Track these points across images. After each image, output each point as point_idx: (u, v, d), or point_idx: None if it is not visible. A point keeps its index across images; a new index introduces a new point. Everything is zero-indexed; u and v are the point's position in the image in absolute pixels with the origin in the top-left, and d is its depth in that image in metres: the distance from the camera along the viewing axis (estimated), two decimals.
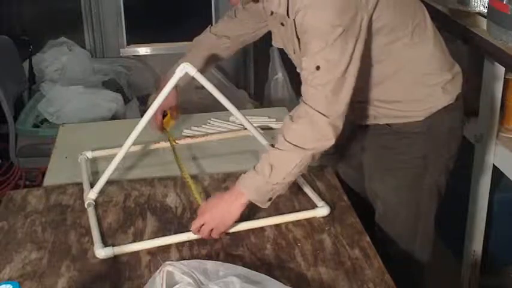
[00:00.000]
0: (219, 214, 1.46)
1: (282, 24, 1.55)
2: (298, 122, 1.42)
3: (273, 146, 1.48)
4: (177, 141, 1.94)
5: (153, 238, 1.51)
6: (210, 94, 1.71)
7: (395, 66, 1.55)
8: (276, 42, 1.66)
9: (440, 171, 1.68)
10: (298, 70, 1.65)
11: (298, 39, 1.48)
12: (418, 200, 1.69)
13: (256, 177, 1.45)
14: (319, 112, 1.40)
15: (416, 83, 1.58)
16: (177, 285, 1.14)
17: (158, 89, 1.74)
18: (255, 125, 1.88)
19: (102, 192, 1.69)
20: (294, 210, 1.61)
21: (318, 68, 1.39)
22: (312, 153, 1.43)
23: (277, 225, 1.55)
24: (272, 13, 1.55)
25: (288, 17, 1.47)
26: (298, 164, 1.43)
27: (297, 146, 1.42)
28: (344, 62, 1.39)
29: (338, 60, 1.38)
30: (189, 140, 2.01)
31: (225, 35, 1.85)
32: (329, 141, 1.43)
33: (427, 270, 1.79)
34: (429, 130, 1.61)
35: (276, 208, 1.64)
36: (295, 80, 3.65)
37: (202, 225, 1.46)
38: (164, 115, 1.91)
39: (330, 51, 1.37)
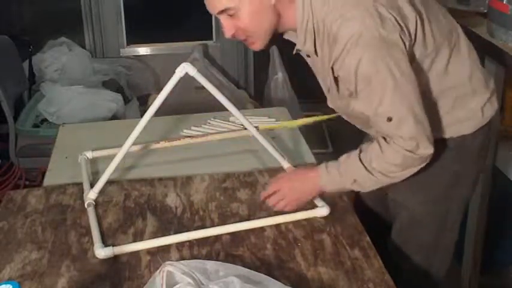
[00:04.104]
0: (296, 190, 1.57)
1: (308, 56, 1.52)
2: (389, 156, 1.44)
3: (359, 158, 1.47)
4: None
5: (153, 238, 1.51)
6: (210, 94, 1.71)
7: (434, 92, 1.51)
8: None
9: (468, 186, 1.66)
10: (329, 103, 1.63)
11: (336, 80, 1.45)
12: (445, 214, 1.65)
13: (338, 180, 1.52)
14: (408, 151, 1.41)
15: (455, 107, 1.53)
16: (177, 285, 1.13)
17: None
18: (255, 125, 1.88)
19: (102, 192, 1.69)
20: (293, 210, 1.61)
21: (389, 119, 1.39)
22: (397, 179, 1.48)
23: (277, 225, 1.55)
24: (299, 50, 1.51)
25: (317, 55, 1.45)
26: (381, 184, 1.50)
27: (385, 175, 1.46)
28: (409, 103, 1.38)
29: (404, 105, 1.38)
30: (189, 140, 2.01)
31: None
32: (417, 168, 1.46)
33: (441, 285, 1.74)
34: (462, 147, 1.57)
35: None
36: (295, 80, 3.66)
37: (274, 192, 1.57)
38: None
39: (391, 100, 1.37)
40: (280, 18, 1.45)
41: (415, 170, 1.46)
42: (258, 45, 1.49)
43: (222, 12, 1.42)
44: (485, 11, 2.20)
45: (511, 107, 2.20)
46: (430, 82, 1.48)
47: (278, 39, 1.56)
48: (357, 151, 1.50)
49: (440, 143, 1.52)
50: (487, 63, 2.09)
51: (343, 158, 1.52)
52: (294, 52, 1.53)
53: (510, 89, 2.14)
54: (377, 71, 1.34)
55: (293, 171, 1.66)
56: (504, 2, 1.96)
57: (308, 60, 1.56)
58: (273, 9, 1.43)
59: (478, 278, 2.37)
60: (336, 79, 1.45)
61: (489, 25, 2.09)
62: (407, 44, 1.38)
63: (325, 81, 1.52)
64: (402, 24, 1.37)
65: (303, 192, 1.58)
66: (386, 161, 1.44)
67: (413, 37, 1.40)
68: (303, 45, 1.47)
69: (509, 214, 2.44)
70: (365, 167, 1.47)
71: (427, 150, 1.42)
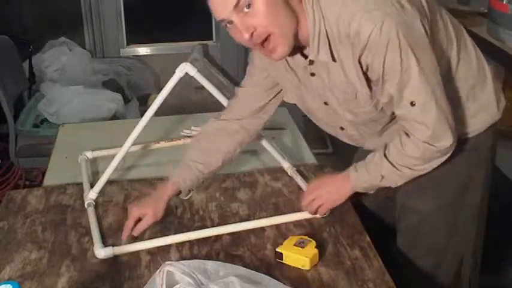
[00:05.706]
0: (329, 194, 1.57)
1: (313, 74, 1.44)
2: (408, 150, 1.43)
3: (384, 154, 1.48)
4: None
5: (153, 238, 1.51)
6: (210, 94, 1.71)
7: (447, 83, 1.47)
8: (292, 98, 1.58)
9: (478, 190, 1.63)
10: (328, 129, 1.61)
11: (367, 79, 1.39)
12: (456, 220, 1.63)
13: (367, 179, 1.52)
14: (427, 143, 1.41)
15: (468, 100, 1.52)
16: (177, 285, 1.14)
17: None
18: None
19: (102, 192, 1.69)
20: (294, 210, 1.61)
21: (413, 104, 1.37)
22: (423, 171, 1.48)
23: (277, 225, 1.55)
24: (312, 62, 1.40)
25: (334, 61, 1.37)
26: (409, 177, 1.49)
27: (410, 168, 1.46)
28: (432, 87, 1.37)
29: (427, 90, 1.36)
30: (189, 140, 2.01)
31: (237, 118, 1.63)
32: (442, 159, 1.46)
33: None
34: (475, 149, 1.56)
35: (276, 208, 1.64)
36: None
37: (312, 200, 1.56)
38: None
39: (416, 83, 1.35)
40: (297, 22, 1.34)
41: (439, 161, 1.46)
42: (281, 48, 1.33)
43: (235, 7, 1.26)
44: (485, 11, 2.21)
45: (511, 106, 2.20)
46: (445, 72, 1.46)
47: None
48: (383, 148, 1.50)
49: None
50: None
51: (370, 156, 1.52)
52: (307, 64, 1.42)
53: (510, 89, 2.14)
54: (402, 55, 1.32)
55: (319, 179, 1.64)
56: (504, 2, 1.97)
57: (313, 79, 1.46)
58: (287, 5, 1.32)
59: (478, 278, 2.36)
60: (365, 74, 1.38)
61: (489, 25, 2.09)
62: (428, 30, 1.36)
63: (349, 87, 1.42)
64: (421, 12, 1.36)
65: (337, 193, 1.57)
66: (407, 155, 1.44)
67: (430, 25, 1.39)
68: (317, 54, 1.37)
69: (509, 214, 2.44)
70: (390, 163, 1.47)
71: (447, 141, 1.41)
